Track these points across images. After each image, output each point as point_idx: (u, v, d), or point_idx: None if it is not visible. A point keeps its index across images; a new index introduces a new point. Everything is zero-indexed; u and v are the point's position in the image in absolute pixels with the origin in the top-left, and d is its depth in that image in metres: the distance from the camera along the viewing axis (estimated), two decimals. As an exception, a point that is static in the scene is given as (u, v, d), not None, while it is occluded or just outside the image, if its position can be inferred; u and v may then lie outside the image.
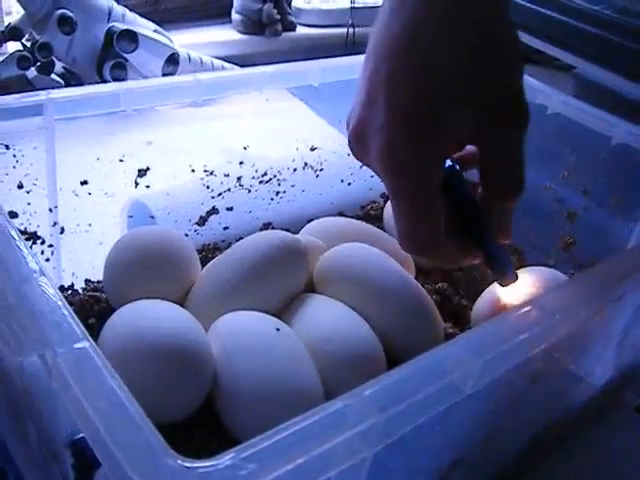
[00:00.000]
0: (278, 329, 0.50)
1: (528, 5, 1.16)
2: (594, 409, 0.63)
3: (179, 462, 0.27)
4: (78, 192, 0.63)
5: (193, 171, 0.68)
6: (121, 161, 0.64)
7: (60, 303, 0.35)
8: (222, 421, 0.48)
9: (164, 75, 1.20)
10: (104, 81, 1.17)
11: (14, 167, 0.59)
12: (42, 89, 1.15)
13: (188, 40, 1.37)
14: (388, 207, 0.78)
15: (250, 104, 0.73)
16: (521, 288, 0.65)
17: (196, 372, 0.47)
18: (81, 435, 0.35)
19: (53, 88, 1.12)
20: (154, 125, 0.67)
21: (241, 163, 0.71)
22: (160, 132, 0.67)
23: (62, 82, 1.21)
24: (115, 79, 1.15)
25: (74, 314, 0.35)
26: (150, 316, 0.49)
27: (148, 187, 0.66)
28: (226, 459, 0.28)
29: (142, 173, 0.65)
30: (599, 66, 1.09)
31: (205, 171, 0.69)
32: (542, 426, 0.57)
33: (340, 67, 0.76)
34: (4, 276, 0.38)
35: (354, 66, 0.75)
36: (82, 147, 0.62)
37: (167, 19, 1.40)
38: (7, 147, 0.58)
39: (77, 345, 0.32)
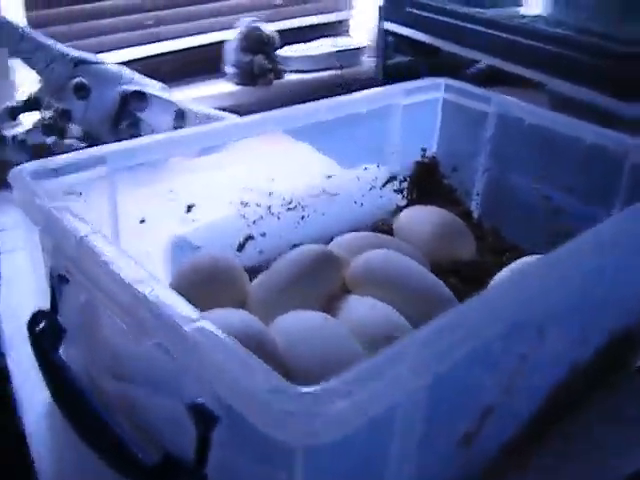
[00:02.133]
0: (326, 319, 0.61)
1: (496, 33, 1.29)
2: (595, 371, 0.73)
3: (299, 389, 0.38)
4: (138, 229, 0.73)
5: (230, 203, 0.79)
6: (172, 200, 0.75)
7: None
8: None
9: (175, 128, 1.32)
10: (120, 139, 1.28)
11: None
12: (61, 153, 1.27)
13: (188, 95, 1.49)
14: (398, 218, 0.89)
15: (257, 147, 0.83)
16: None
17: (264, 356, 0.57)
18: (200, 399, 0.45)
19: (73, 150, 1.24)
20: (191, 165, 0.77)
21: (270, 194, 0.82)
22: (199, 171, 0.77)
23: (79, 144, 1.32)
24: (130, 137, 1.26)
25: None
26: (222, 317, 0.60)
27: (194, 221, 0.77)
28: (331, 383, 0.38)
29: (189, 209, 0.76)
30: (567, 81, 1.21)
31: (241, 203, 0.80)
32: (555, 384, 0.67)
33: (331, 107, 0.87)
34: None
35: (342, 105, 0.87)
36: (137, 190, 0.73)
37: (167, 79, 1.51)
38: (80, 194, 0.68)
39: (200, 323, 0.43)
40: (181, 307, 0.47)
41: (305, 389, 0.38)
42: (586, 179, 0.84)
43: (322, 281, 0.68)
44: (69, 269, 0.55)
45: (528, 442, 0.65)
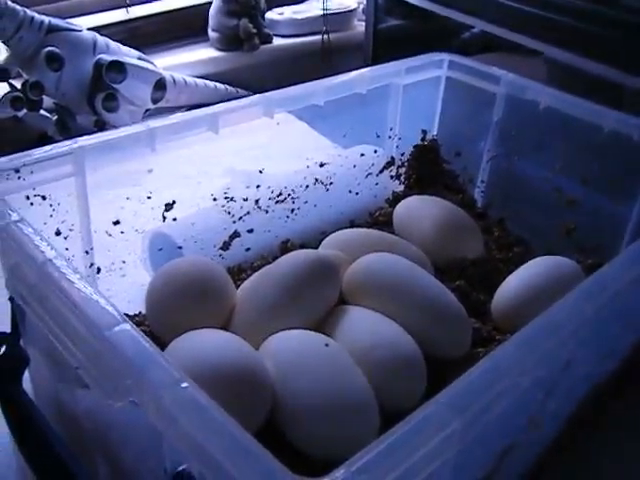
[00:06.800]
0: (327, 344, 0.54)
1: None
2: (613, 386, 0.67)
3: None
4: (111, 232, 0.66)
5: (215, 200, 0.72)
6: (149, 198, 0.67)
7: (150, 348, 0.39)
8: (286, 437, 0.51)
9: (153, 100, 1.23)
10: (96, 112, 1.20)
11: (51, 216, 0.62)
12: (34, 126, 1.17)
13: (168, 62, 1.40)
14: (397, 211, 0.81)
15: (255, 127, 0.76)
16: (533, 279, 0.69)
17: (257, 391, 0.50)
18: (184, 466, 0.38)
19: (46, 123, 1.14)
20: (170, 157, 0.69)
21: (258, 186, 0.74)
22: (180, 163, 0.69)
23: (51, 117, 1.23)
24: (107, 110, 1.18)
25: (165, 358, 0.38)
26: (206, 343, 0.52)
27: (175, 220, 0.69)
28: (340, 473, 0.31)
29: (169, 207, 0.68)
30: (566, 50, 1.13)
31: (225, 198, 0.72)
32: (573, 407, 0.61)
33: (333, 86, 0.79)
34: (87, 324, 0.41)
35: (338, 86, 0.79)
36: (111, 188, 0.65)
37: (145, 43, 1.42)
38: (44, 198, 0.61)
39: (182, 385, 0.36)
40: (162, 365, 0.39)
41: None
42: (604, 170, 0.77)
43: (318, 294, 0.60)
44: (27, 300, 0.47)
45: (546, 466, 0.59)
